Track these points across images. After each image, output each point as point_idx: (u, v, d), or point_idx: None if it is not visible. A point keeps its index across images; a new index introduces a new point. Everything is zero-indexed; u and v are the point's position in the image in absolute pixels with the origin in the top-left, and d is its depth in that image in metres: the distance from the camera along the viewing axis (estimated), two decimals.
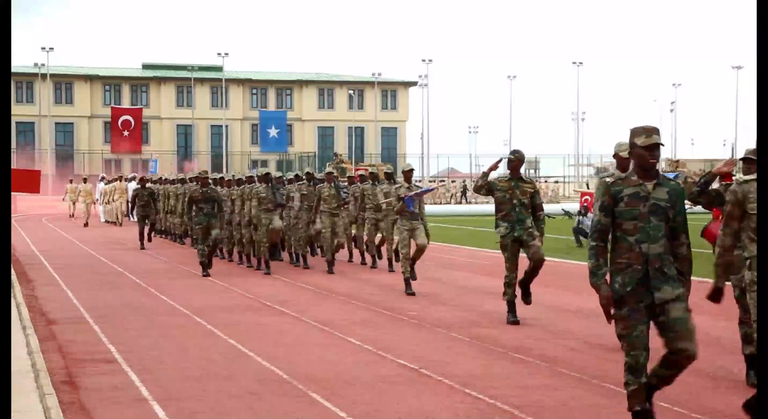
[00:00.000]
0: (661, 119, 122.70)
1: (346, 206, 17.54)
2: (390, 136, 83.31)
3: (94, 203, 36.30)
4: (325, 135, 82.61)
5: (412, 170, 14.50)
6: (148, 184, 25.30)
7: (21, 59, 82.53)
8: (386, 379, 8.00)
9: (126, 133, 77.59)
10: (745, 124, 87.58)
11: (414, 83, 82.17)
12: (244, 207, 17.35)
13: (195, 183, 23.20)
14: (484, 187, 10.92)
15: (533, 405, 7.10)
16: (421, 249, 13.66)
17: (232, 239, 18.65)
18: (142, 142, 78.08)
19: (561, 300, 13.03)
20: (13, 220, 31.15)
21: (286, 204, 17.49)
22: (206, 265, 16.31)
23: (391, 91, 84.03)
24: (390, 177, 17.17)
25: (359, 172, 20.23)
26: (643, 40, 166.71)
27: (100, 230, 31.14)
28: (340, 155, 54.60)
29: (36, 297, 13.47)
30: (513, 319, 10.83)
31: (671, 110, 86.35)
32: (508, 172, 10.90)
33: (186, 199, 22.30)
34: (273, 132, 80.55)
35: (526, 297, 11.10)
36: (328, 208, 16.85)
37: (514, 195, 10.73)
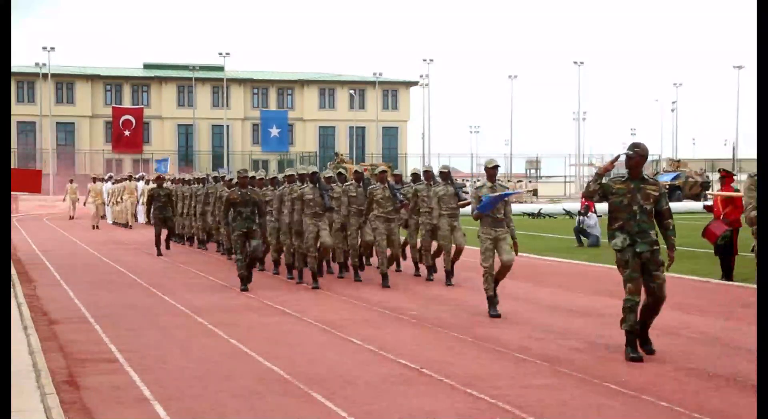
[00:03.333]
0: (662, 119, 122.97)
1: (406, 209, 15.50)
2: (391, 135, 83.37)
3: (104, 204, 34.39)
4: (327, 135, 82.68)
5: (497, 166, 11.82)
6: (166, 184, 23.13)
7: (22, 59, 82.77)
8: (387, 379, 8.00)
9: (127, 132, 77.70)
10: (746, 123, 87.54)
11: (415, 83, 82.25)
12: (283, 210, 15.48)
13: (217, 182, 21.17)
14: (598, 191, 8.84)
15: (534, 404, 7.10)
16: (506, 267, 11.66)
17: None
18: (143, 141, 78.18)
19: (561, 299, 13.03)
20: (14, 220, 31.16)
21: (335, 208, 15.37)
22: (246, 278, 14.31)
23: (392, 91, 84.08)
24: (446, 176, 15.11)
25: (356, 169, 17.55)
26: (644, 40, 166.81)
27: (106, 232, 30.17)
28: (341, 155, 54.50)
29: (37, 297, 13.48)
30: (634, 355, 8.68)
31: (672, 110, 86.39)
32: (626, 170, 8.86)
33: (212, 201, 20.30)
34: (274, 132, 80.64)
35: (647, 346, 8.91)
36: (383, 212, 14.75)
37: (634, 199, 8.72)
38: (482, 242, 11.55)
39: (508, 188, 11.94)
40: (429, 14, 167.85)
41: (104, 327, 10.75)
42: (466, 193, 15.04)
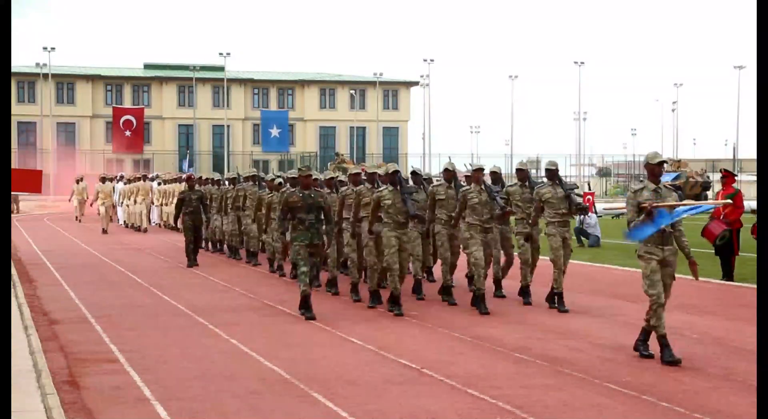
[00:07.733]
0: (663, 119, 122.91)
1: (508, 216, 12.88)
2: (392, 135, 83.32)
3: (113, 206, 31.77)
4: (327, 135, 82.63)
5: (663, 163, 8.92)
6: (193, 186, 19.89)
7: (23, 59, 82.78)
8: (388, 379, 8.01)
9: (128, 132, 77.65)
10: (747, 123, 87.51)
11: (416, 83, 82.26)
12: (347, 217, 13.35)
13: (251, 183, 19.01)
14: None
15: (535, 404, 7.11)
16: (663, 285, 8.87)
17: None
18: (143, 142, 78.20)
19: None
20: (14, 220, 31.09)
21: (421, 215, 12.62)
22: (308, 298, 11.62)
23: (392, 91, 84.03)
24: (554, 175, 12.43)
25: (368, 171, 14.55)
26: (644, 40, 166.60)
27: (117, 235, 28.34)
28: (342, 155, 54.54)
29: (38, 297, 13.48)
30: None
31: (673, 110, 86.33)
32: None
33: (269, 206, 16.64)
34: (274, 132, 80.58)
35: None
36: (478, 220, 12.00)
37: None
38: (646, 263, 8.85)
39: (676, 194, 9.14)
40: (429, 14, 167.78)
41: (105, 327, 10.75)
42: (579, 195, 12.89)
